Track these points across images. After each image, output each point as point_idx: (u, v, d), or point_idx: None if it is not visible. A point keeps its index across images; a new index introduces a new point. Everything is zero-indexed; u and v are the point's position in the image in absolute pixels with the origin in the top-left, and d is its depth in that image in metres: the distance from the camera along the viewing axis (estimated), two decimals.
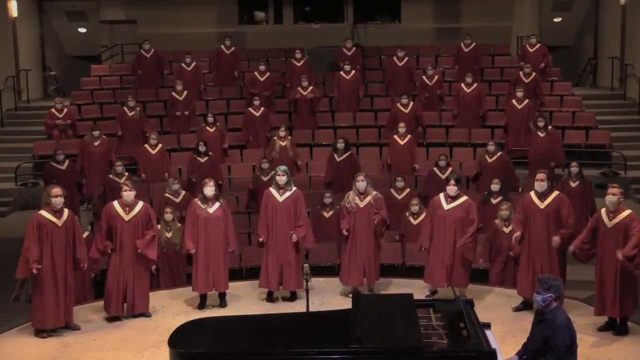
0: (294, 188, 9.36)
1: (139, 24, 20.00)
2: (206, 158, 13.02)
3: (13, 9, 17.58)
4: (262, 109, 14.74)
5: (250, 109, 14.81)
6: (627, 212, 8.08)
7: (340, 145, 12.98)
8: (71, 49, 21.06)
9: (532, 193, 8.81)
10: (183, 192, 11.72)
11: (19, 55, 17.81)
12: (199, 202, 9.10)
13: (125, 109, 14.73)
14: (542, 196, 8.67)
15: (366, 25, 20.09)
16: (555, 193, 8.75)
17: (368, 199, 9.28)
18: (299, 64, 16.32)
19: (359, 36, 19.57)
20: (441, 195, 9.17)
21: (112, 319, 8.77)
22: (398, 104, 14.53)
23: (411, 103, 14.60)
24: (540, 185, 8.66)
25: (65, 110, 15.24)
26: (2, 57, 17.43)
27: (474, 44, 16.59)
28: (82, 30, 20.92)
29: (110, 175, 12.51)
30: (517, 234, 8.77)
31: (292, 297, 9.41)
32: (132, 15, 20.11)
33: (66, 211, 8.37)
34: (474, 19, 19.56)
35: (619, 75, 17.48)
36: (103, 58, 19.63)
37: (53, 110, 15.10)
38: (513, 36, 19.19)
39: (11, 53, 17.63)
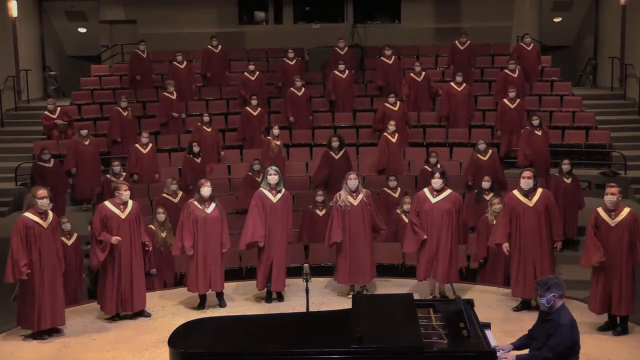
0: (284, 189, 9.37)
1: (138, 24, 20.01)
2: (201, 158, 13.03)
3: (13, 9, 17.58)
4: (260, 108, 14.74)
5: (247, 108, 14.81)
6: (628, 209, 8.13)
7: (335, 143, 12.99)
8: (71, 49, 21.07)
9: (515, 192, 8.74)
10: (180, 193, 11.70)
11: (19, 55, 17.81)
12: (196, 203, 9.08)
13: (120, 109, 14.74)
14: (528, 194, 8.65)
15: (366, 25, 20.08)
16: (540, 190, 8.73)
17: (360, 196, 9.29)
18: (292, 64, 16.31)
19: (359, 36, 19.56)
20: (426, 190, 9.16)
21: (111, 318, 8.77)
22: (386, 103, 14.56)
23: (399, 102, 14.62)
24: (527, 182, 8.62)
25: (59, 109, 15.26)
26: (2, 57, 17.43)
27: (469, 42, 16.58)
28: (82, 30, 20.92)
29: (108, 175, 12.54)
30: (505, 244, 8.77)
31: (280, 298, 9.39)
32: (132, 15, 20.12)
33: (51, 213, 8.26)
34: (474, 19, 19.56)
35: (619, 75, 17.48)
36: (103, 58, 19.64)
37: (47, 112, 15.17)
38: (513, 36, 19.18)
39: (11, 53, 17.63)
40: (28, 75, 17.92)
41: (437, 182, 9.02)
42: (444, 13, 20.04)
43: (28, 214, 8.12)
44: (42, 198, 8.11)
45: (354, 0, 20.30)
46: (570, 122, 15.35)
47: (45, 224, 8.15)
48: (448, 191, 9.11)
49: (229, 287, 9.54)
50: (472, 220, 11.30)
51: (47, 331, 8.25)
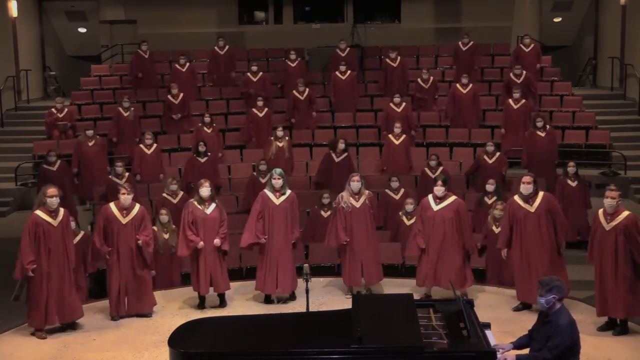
0: (289, 191, 9.33)
1: (138, 24, 20.01)
2: (206, 158, 13.01)
3: (13, 9, 17.58)
4: (266, 109, 14.71)
5: (254, 109, 14.78)
6: (626, 213, 8.07)
7: (342, 145, 12.98)
8: (71, 49, 21.08)
9: (516, 197, 8.72)
10: (181, 193, 11.61)
11: (19, 55, 17.81)
12: (196, 203, 9.06)
13: (121, 109, 14.72)
14: (528, 199, 8.62)
15: (366, 25, 20.07)
16: (541, 194, 8.68)
17: (363, 198, 9.28)
18: (293, 65, 16.30)
19: (359, 36, 19.55)
20: (430, 196, 9.13)
21: (114, 318, 8.79)
22: (391, 104, 14.55)
23: (403, 103, 14.59)
24: (527, 188, 8.59)
25: (66, 110, 15.25)
26: (2, 57, 17.43)
27: (471, 42, 16.59)
28: (82, 30, 20.93)
29: (110, 176, 12.52)
30: (504, 250, 8.79)
31: (291, 297, 9.39)
32: (132, 15, 20.12)
33: (62, 211, 8.34)
34: (474, 19, 19.57)
35: (619, 75, 17.49)
36: (103, 58, 19.64)
37: (53, 109, 15.13)
38: (513, 36, 19.18)
39: (11, 53, 17.63)
40: (28, 75, 17.92)
41: (439, 189, 8.98)
42: (444, 13, 20.04)
43: (39, 212, 8.21)
44: (51, 196, 8.20)
45: (354, 0, 20.30)
46: (570, 122, 15.35)
47: (55, 223, 8.21)
48: (452, 198, 9.04)
49: (230, 287, 9.50)
50: (474, 224, 11.23)
51: (61, 328, 8.36)
